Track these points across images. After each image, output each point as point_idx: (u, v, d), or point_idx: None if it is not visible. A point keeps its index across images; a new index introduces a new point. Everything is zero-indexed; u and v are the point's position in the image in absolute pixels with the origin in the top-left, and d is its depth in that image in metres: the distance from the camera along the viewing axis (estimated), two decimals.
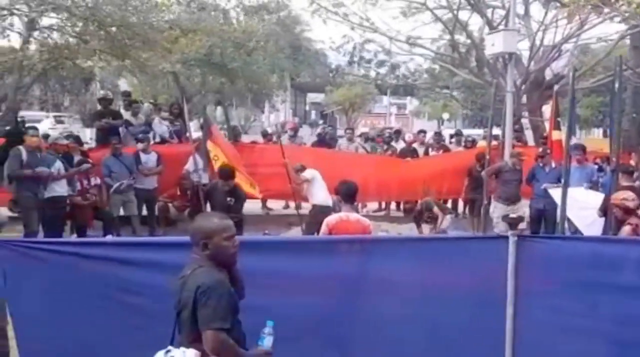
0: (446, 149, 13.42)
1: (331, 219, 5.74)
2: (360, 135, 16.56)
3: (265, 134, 14.53)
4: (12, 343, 4.14)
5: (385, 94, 43.21)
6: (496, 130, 12.29)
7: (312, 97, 49.13)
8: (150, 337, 3.70)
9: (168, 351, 2.88)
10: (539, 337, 4.08)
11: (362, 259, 4.31)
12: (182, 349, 2.91)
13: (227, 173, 8.08)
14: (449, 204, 11.51)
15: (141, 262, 4.04)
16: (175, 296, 3.11)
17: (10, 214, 8.76)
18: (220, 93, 14.66)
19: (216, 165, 9.14)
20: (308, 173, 9.13)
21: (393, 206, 12.79)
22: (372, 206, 12.48)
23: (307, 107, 51.90)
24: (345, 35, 20.16)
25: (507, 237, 4.05)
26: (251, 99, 26.82)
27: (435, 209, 8.51)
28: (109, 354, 4.04)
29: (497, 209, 9.44)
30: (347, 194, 5.77)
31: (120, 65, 12.97)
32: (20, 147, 8.11)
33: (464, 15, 16.33)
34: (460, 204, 12.18)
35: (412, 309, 4.19)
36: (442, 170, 11.67)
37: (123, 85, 19.37)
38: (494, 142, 10.70)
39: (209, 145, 9.60)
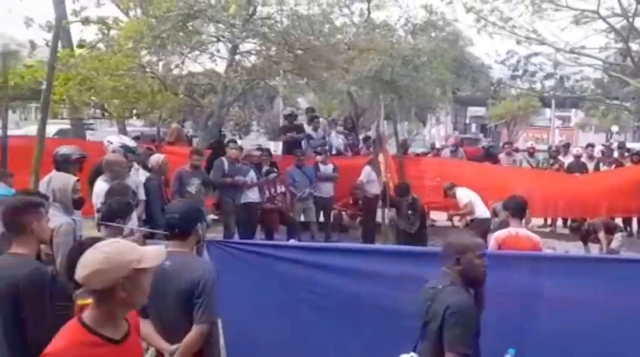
0: (619, 164, 12.32)
1: (500, 234, 5.58)
2: (525, 150, 15.89)
3: (432, 147, 14.55)
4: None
5: (549, 107, 40.71)
6: None
7: (472, 110, 47.77)
8: (328, 336, 3.97)
9: None
10: None
11: (535, 276, 4.18)
12: None
13: (402, 190, 8.17)
14: (620, 222, 10.67)
15: (328, 267, 4.22)
16: (422, 304, 3.13)
17: (212, 216, 9.69)
18: (389, 108, 14.85)
19: (385, 177, 9.31)
20: (463, 195, 8.88)
21: (559, 222, 12.12)
22: (537, 221, 11.91)
23: (468, 121, 50.55)
24: (510, 51, 19.51)
25: None
26: (415, 113, 26.69)
27: (601, 234, 8.01)
28: (301, 354, 4.21)
29: None
30: (517, 209, 5.51)
31: (302, 83, 13.69)
32: (223, 158, 8.94)
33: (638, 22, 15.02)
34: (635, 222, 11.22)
35: (585, 327, 4.01)
36: (615, 187, 10.79)
37: (302, 101, 20.49)
38: None
39: (381, 158, 9.83)
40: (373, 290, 4.11)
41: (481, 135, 40.88)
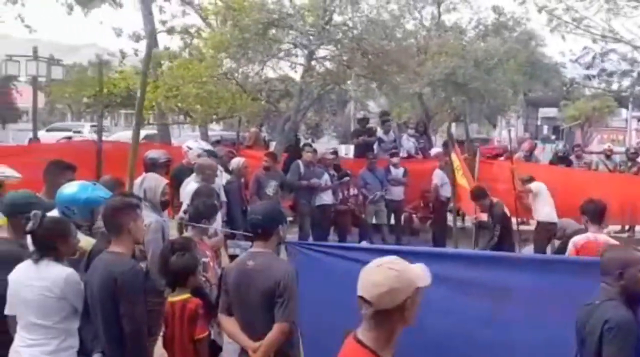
0: None
1: (579, 239, 5.33)
2: (601, 152, 15.15)
3: (504, 150, 14.13)
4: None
5: (625, 107, 38.63)
6: None
7: (544, 112, 46.05)
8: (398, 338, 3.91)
9: None
10: None
11: None
12: None
13: (477, 194, 7.88)
14: None
15: None
16: (579, 322, 3.05)
17: (288, 218, 9.78)
18: (460, 111, 14.58)
19: (460, 181, 9.09)
20: (534, 186, 8.53)
21: (638, 227, 11.44)
22: (613, 227, 11.30)
23: (539, 122, 48.75)
24: (586, 47, 18.66)
25: None
26: (485, 115, 26.06)
27: None
28: None
29: None
30: (595, 213, 5.25)
31: (373, 87, 13.65)
32: (299, 161, 9.05)
33: None
34: None
35: None
36: None
37: (372, 105, 20.46)
38: None
39: (454, 161, 9.60)
40: (444, 294, 4.01)
41: (553, 136, 39.35)
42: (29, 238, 3.44)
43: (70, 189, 3.94)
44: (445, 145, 11.63)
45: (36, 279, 3.28)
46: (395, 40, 10.50)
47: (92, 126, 33.88)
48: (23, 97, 53.27)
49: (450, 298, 3.93)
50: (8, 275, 3.38)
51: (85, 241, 3.71)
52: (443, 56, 12.97)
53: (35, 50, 17.18)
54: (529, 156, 12.56)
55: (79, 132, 31.61)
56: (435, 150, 12.46)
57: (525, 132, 38.53)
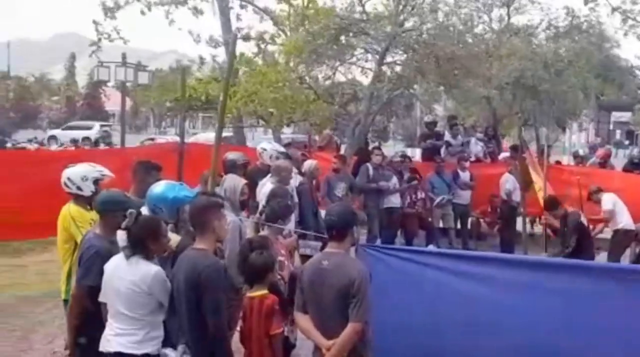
0: None
1: None
2: None
3: (576, 155, 13.52)
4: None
5: None
6: None
7: (616, 116, 43.76)
8: (465, 342, 3.80)
9: None
10: None
11: None
12: None
13: (550, 203, 7.50)
14: None
15: (469, 274, 4.02)
16: None
17: None
18: (529, 114, 14.06)
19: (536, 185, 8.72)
20: (608, 201, 8.07)
21: None
22: None
23: (612, 127, 46.35)
24: None
25: None
26: (555, 119, 24.97)
27: None
28: None
29: None
30: None
31: (439, 90, 13.40)
32: (368, 164, 9.03)
33: None
34: None
35: None
36: None
37: (438, 108, 20.11)
38: None
39: (530, 165, 9.22)
40: (511, 301, 3.88)
41: (626, 142, 37.34)
42: (118, 235, 3.59)
43: (159, 188, 4.09)
44: (514, 149, 11.27)
45: (127, 273, 3.43)
46: (466, 45, 10.27)
47: (101, 126, 37.67)
48: (110, 101, 56.26)
49: (525, 305, 3.81)
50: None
51: (174, 239, 3.84)
52: (512, 59, 12.54)
53: (124, 57, 18.12)
54: (604, 163, 11.96)
55: (89, 128, 35.92)
56: (504, 154, 12.10)
57: (597, 137, 36.73)
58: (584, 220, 7.24)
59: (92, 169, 4.67)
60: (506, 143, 17.66)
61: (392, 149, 16.68)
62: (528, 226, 9.81)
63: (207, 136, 21.97)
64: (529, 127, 13.67)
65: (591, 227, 8.61)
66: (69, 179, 4.58)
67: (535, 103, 14.53)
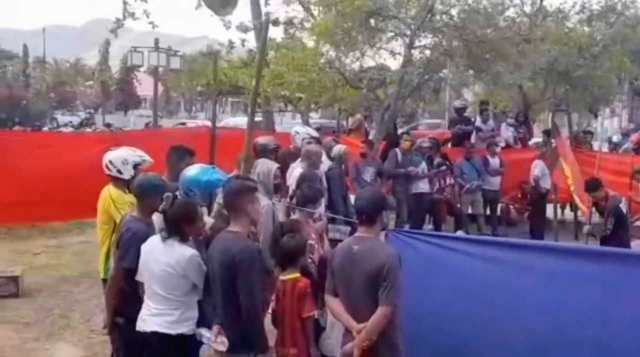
0: None
1: None
2: None
3: (609, 141, 13.20)
4: None
5: None
6: None
7: None
8: (494, 327, 3.77)
9: None
10: None
11: None
12: None
13: (591, 185, 7.16)
14: None
15: (498, 260, 3.95)
16: None
17: None
18: (562, 100, 13.72)
19: (565, 172, 8.50)
20: None
21: None
22: None
23: None
24: None
25: None
26: (587, 105, 24.37)
27: None
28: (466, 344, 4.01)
29: None
30: None
31: (469, 75, 13.17)
32: (397, 149, 8.96)
33: None
34: None
35: None
36: None
37: (466, 93, 19.77)
38: None
39: (563, 151, 9.00)
40: (541, 287, 3.82)
41: None
42: (154, 217, 3.65)
43: (193, 171, 4.14)
44: (546, 134, 11.06)
45: (163, 256, 3.49)
46: (497, 28, 10.03)
47: (86, 112, 42.50)
48: (142, 86, 57.05)
49: (555, 292, 3.76)
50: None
51: (208, 223, 3.89)
52: (545, 44, 12.22)
53: (156, 42, 18.25)
54: (638, 149, 11.66)
55: (90, 113, 39.73)
56: (535, 140, 11.87)
57: (630, 123, 35.69)
58: (623, 207, 7.01)
59: (132, 154, 4.77)
60: (537, 128, 17.32)
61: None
62: (559, 212, 9.66)
63: (236, 121, 22.11)
64: (560, 113, 13.32)
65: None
66: (110, 162, 4.69)
67: (568, 88, 14.16)
